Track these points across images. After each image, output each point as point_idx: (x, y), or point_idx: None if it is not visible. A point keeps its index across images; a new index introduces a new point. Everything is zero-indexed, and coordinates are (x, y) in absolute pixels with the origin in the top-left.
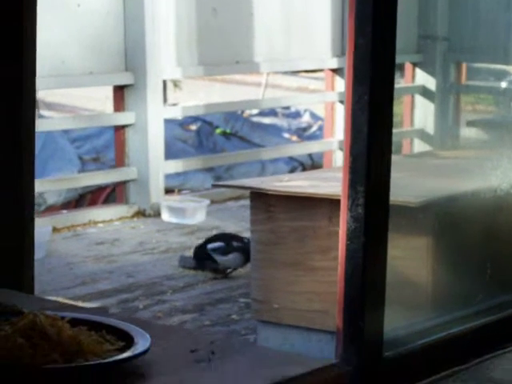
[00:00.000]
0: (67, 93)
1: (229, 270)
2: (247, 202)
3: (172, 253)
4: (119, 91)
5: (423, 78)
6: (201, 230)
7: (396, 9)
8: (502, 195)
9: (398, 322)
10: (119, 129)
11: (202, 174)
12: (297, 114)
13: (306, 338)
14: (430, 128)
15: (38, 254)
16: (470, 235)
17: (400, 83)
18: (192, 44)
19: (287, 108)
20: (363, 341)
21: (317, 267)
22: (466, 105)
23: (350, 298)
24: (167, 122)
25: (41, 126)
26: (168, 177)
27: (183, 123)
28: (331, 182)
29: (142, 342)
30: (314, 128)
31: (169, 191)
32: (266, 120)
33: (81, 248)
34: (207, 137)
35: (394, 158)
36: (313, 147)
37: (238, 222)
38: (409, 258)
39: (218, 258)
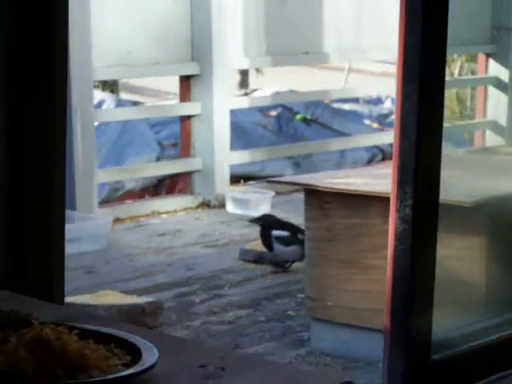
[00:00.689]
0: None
1: (288, 264)
2: None
3: (233, 245)
4: (185, 81)
5: (496, 69)
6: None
7: (447, 4)
8: None
9: (448, 323)
10: (185, 119)
11: (281, 161)
12: (378, 101)
13: (358, 337)
14: (503, 119)
15: (98, 245)
16: None
17: (473, 74)
18: (260, 34)
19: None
20: (411, 342)
21: (370, 265)
22: None
23: (399, 298)
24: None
25: (101, 117)
26: (246, 163)
27: (263, 109)
28: (385, 179)
29: (149, 357)
30: None
31: (247, 178)
32: (347, 106)
33: (142, 239)
34: (287, 123)
35: (453, 154)
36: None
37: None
38: (461, 258)
39: (278, 247)
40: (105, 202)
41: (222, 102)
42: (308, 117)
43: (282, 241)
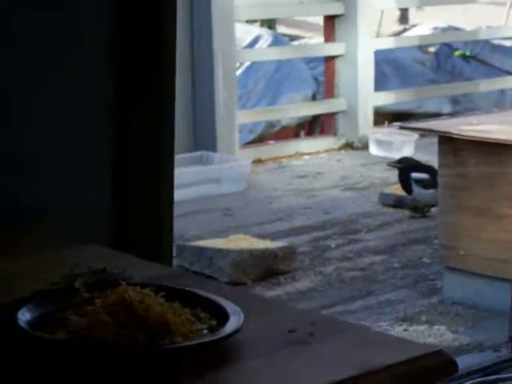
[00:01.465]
0: None
1: (426, 209)
2: None
3: (374, 188)
4: (330, 21)
5: None
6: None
7: None
8: None
9: None
10: (329, 59)
11: (439, 98)
12: None
13: (491, 287)
14: None
15: (239, 186)
16: None
17: None
18: None
19: None
20: None
21: (504, 215)
22: None
23: None
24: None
25: (244, 56)
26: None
27: (422, 46)
28: None
29: (234, 322)
30: None
31: (403, 116)
32: (508, 43)
33: (282, 181)
34: (446, 59)
35: None
36: None
37: None
38: None
39: (417, 190)
40: (259, 140)
41: (367, 43)
42: (467, 53)
43: (422, 183)
